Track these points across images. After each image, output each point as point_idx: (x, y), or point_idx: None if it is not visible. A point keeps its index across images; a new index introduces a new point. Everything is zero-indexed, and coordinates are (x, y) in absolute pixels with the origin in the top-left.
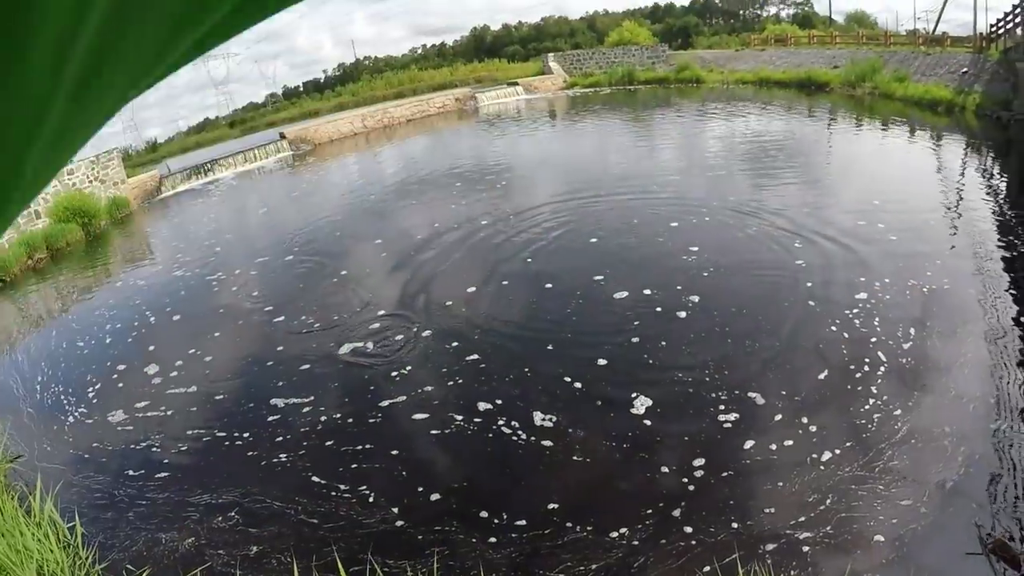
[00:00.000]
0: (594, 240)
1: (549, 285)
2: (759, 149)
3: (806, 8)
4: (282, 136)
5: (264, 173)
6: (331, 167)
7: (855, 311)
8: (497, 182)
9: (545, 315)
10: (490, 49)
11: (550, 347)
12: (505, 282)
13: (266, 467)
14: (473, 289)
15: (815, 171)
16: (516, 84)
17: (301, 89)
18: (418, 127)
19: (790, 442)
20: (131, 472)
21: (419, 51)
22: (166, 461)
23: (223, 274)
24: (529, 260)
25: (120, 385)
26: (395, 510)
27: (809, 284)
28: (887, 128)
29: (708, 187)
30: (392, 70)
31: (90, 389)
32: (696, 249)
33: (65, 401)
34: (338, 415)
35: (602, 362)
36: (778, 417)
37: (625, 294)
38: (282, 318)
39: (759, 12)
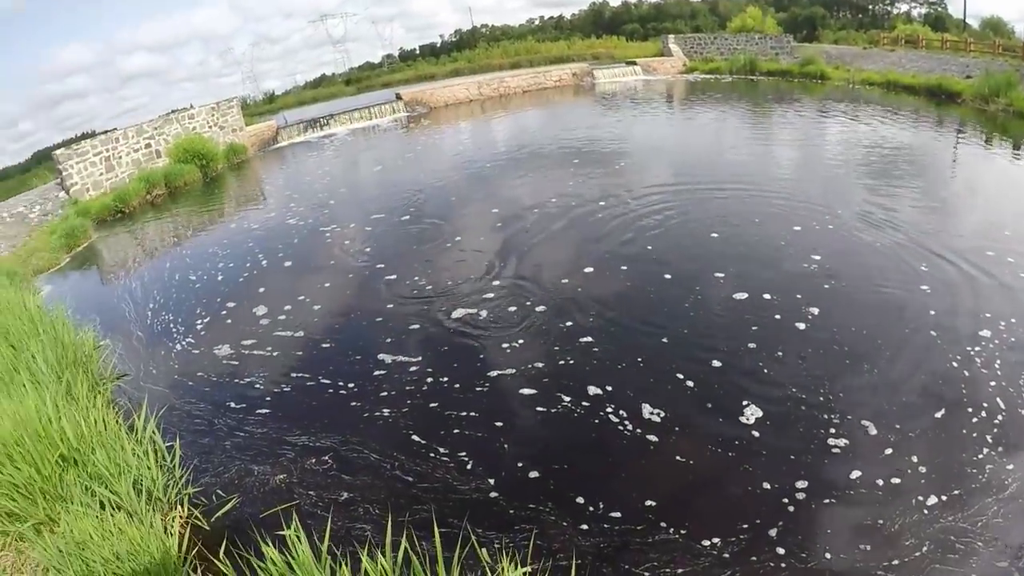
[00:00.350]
0: (715, 235)
1: (668, 276)
2: (885, 158)
3: (939, 8)
4: (398, 97)
5: (379, 132)
6: (446, 131)
7: (978, 348)
8: (614, 162)
9: (662, 307)
10: (608, 25)
11: (665, 340)
12: (624, 267)
13: (367, 419)
14: (590, 269)
15: (942, 189)
16: (634, 63)
17: (417, 52)
18: (533, 99)
19: (896, 480)
20: (232, 404)
21: (536, 22)
22: (268, 399)
23: (336, 227)
24: (649, 248)
25: (228, 321)
26: (491, 481)
27: (933, 312)
28: (1020, 151)
29: (831, 192)
30: (509, 39)
31: (199, 322)
32: (818, 258)
33: (174, 329)
34: (445, 379)
35: (716, 364)
36: (888, 451)
37: (744, 296)
38: (393, 276)
39: (889, 8)
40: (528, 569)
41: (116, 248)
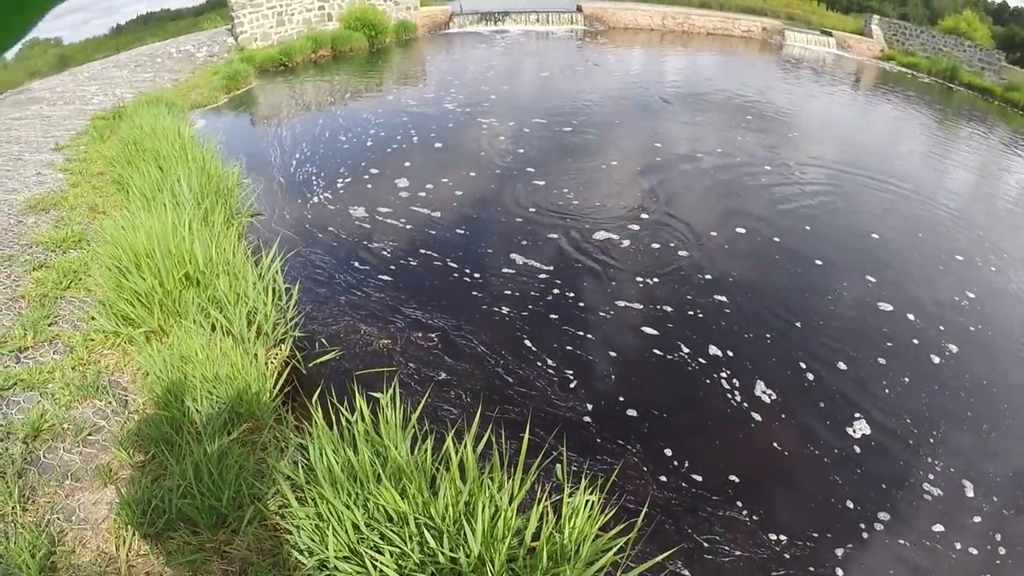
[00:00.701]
0: (875, 236)
1: (819, 262)
2: None
3: None
4: (579, 8)
5: (553, 39)
6: (621, 54)
7: None
8: (787, 131)
9: (804, 291)
10: None
11: (798, 324)
12: (776, 238)
13: (485, 312)
14: (742, 231)
15: None
16: (830, 35)
17: None
18: (716, 43)
19: (974, 551)
20: (356, 264)
21: None
22: (392, 267)
23: (493, 121)
24: (807, 228)
25: (369, 187)
26: (589, 406)
27: None
28: None
29: (1002, 232)
30: None
31: (340, 180)
32: (973, 296)
33: (315, 182)
34: (571, 294)
35: (841, 366)
36: (977, 519)
37: (889, 308)
38: (542, 183)
39: None
40: (596, 498)
41: (273, 97)
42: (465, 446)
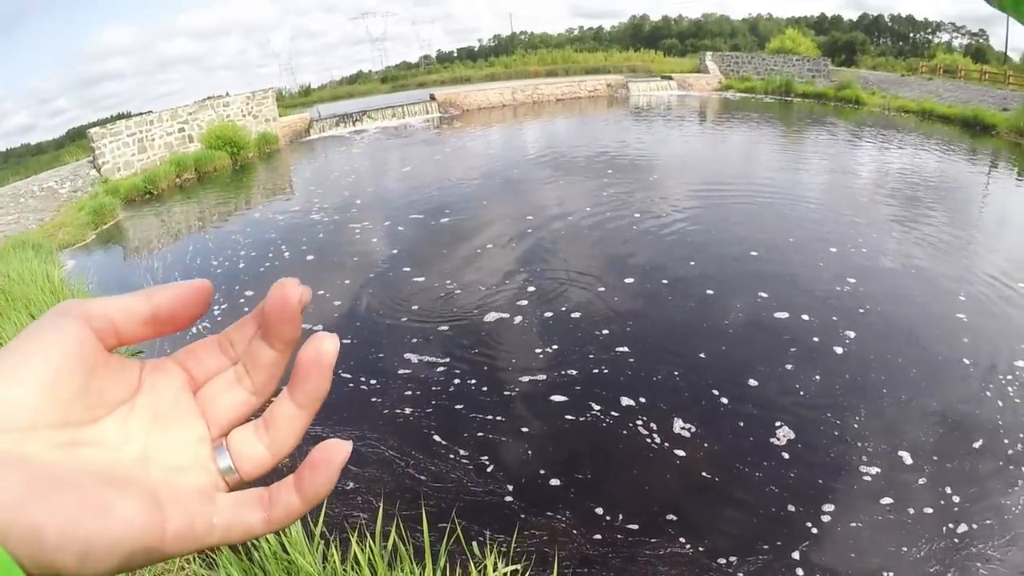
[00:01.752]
0: (754, 253)
1: (710, 292)
2: (917, 185)
3: (981, 40)
4: (432, 97)
5: (410, 131)
6: (477, 135)
7: (1010, 377)
8: (648, 174)
9: (702, 322)
10: (647, 39)
11: (703, 355)
12: (664, 280)
13: (388, 416)
14: (630, 280)
15: (974, 218)
16: (670, 78)
17: (455, 55)
18: (566, 108)
19: (929, 509)
20: None
21: (575, 32)
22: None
23: (362, 224)
24: (691, 263)
25: (246, 310)
26: (509, 486)
27: (966, 340)
28: None
29: (864, 217)
30: (547, 47)
31: (215, 308)
32: (853, 280)
33: None
34: (472, 381)
35: (752, 383)
36: (922, 481)
37: (785, 315)
38: (422, 278)
39: (930, 38)
40: (518, 567)
41: (142, 228)
42: (374, 544)
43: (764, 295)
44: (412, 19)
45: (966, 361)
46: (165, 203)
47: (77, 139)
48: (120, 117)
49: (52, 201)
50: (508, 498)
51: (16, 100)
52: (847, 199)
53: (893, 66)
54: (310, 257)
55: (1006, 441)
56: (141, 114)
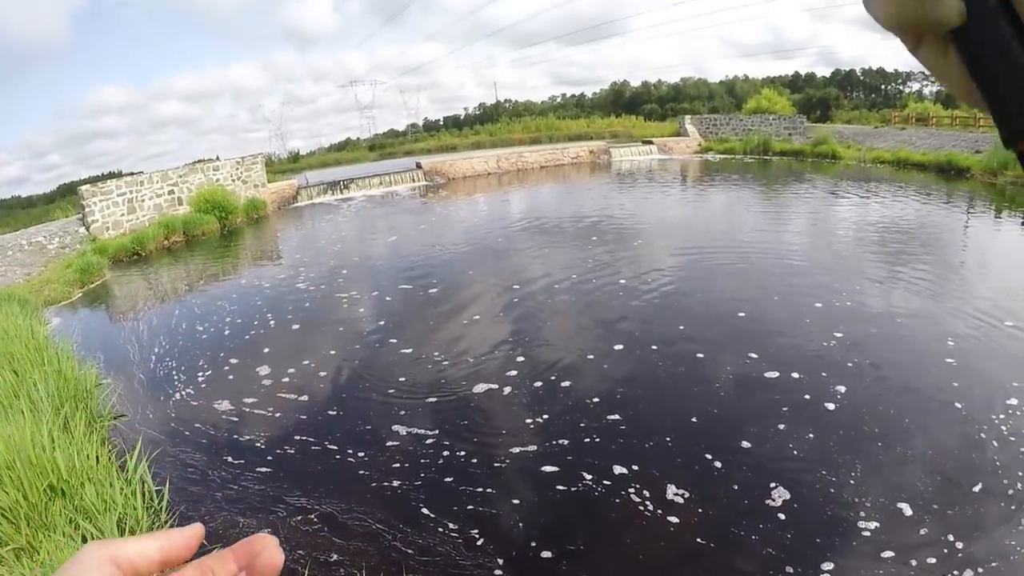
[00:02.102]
0: (742, 314)
1: (700, 355)
2: (897, 234)
3: None
4: (418, 166)
5: (397, 199)
6: (463, 203)
7: (1003, 416)
8: (632, 239)
9: (693, 386)
10: (628, 104)
11: (694, 419)
12: (653, 345)
13: (375, 488)
14: (619, 346)
15: (956, 262)
16: (651, 143)
17: (441, 123)
18: (550, 174)
19: (932, 560)
20: (229, 459)
21: (558, 99)
22: (269, 458)
23: (348, 294)
24: (680, 327)
25: (231, 378)
26: (500, 560)
27: (956, 384)
28: None
29: (847, 269)
30: (531, 115)
31: (200, 374)
32: (840, 335)
33: (175, 378)
34: (462, 453)
35: (745, 445)
36: (923, 531)
37: (775, 375)
38: (409, 350)
39: (901, 88)
40: None
41: (128, 289)
42: None
43: (754, 355)
44: (400, 87)
45: (958, 405)
46: (152, 265)
47: (68, 195)
48: (111, 176)
49: (40, 256)
50: (498, 571)
51: (10, 151)
52: (829, 252)
53: (867, 118)
54: (296, 326)
55: (1005, 481)
56: (132, 174)
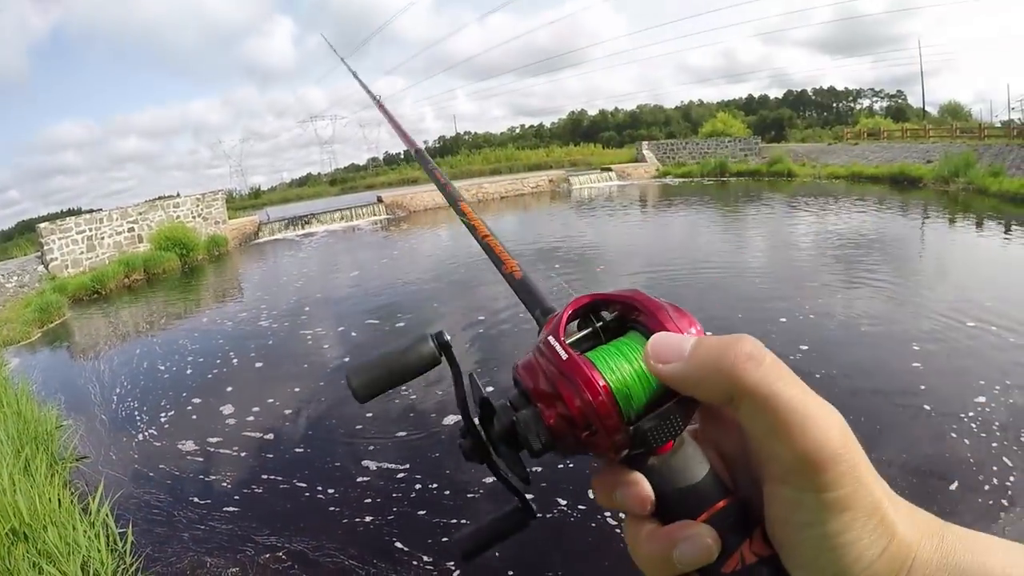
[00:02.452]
0: (709, 332)
1: None
2: (853, 244)
3: (900, 101)
4: (379, 200)
5: (358, 233)
6: (424, 235)
7: (971, 414)
8: (595, 265)
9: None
10: (586, 133)
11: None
12: None
13: (347, 525)
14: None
15: (913, 268)
16: (610, 170)
17: (402, 156)
18: (511, 204)
19: None
20: (195, 499)
21: (517, 130)
22: (236, 497)
23: (311, 331)
24: None
25: (194, 417)
26: None
27: (924, 387)
28: (982, 225)
29: (807, 283)
30: (490, 147)
31: (163, 414)
32: (806, 347)
33: (138, 418)
34: (434, 486)
35: None
36: None
37: None
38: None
39: (852, 105)
40: None
41: (89, 329)
42: None
43: None
44: (360, 121)
45: (927, 407)
46: (113, 303)
47: (26, 232)
48: (71, 213)
49: None
50: None
51: None
52: (789, 267)
53: (820, 136)
54: (259, 364)
55: (980, 477)
56: (91, 211)
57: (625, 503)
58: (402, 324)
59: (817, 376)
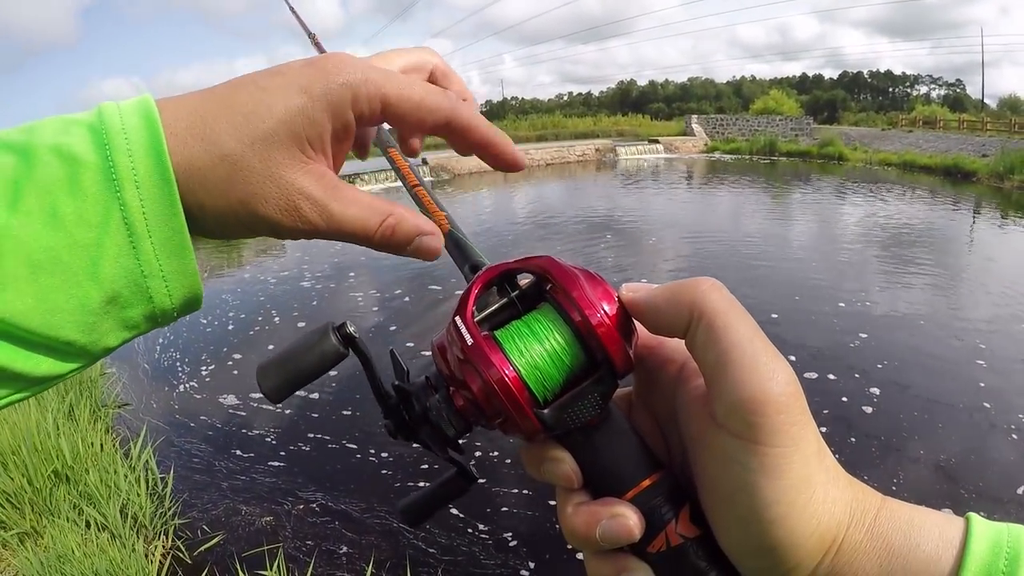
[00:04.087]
0: (775, 315)
1: None
2: (908, 235)
3: (958, 90)
4: (424, 162)
5: (403, 193)
6: (469, 199)
7: None
8: (645, 238)
9: None
10: (635, 104)
11: None
12: None
13: (399, 489)
14: None
15: (961, 267)
16: (657, 142)
17: None
18: (556, 172)
19: None
20: (238, 452)
21: (565, 98)
22: (282, 453)
23: (358, 292)
24: None
25: (235, 372)
26: (531, 563)
27: (983, 384)
28: None
29: (861, 271)
30: (537, 113)
31: (203, 368)
32: (865, 336)
33: (179, 370)
34: (494, 454)
35: None
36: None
37: (814, 376)
38: (426, 351)
39: (909, 91)
40: None
41: None
42: None
43: (792, 358)
44: None
45: (986, 405)
46: None
47: None
48: None
49: None
50: (524, 573)
51: None
52: (845, 253)
53: (874, 121)
54: (301, 324)
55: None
56: None
57: (552, 478)
58: (441, 287)
59: (879, 367)
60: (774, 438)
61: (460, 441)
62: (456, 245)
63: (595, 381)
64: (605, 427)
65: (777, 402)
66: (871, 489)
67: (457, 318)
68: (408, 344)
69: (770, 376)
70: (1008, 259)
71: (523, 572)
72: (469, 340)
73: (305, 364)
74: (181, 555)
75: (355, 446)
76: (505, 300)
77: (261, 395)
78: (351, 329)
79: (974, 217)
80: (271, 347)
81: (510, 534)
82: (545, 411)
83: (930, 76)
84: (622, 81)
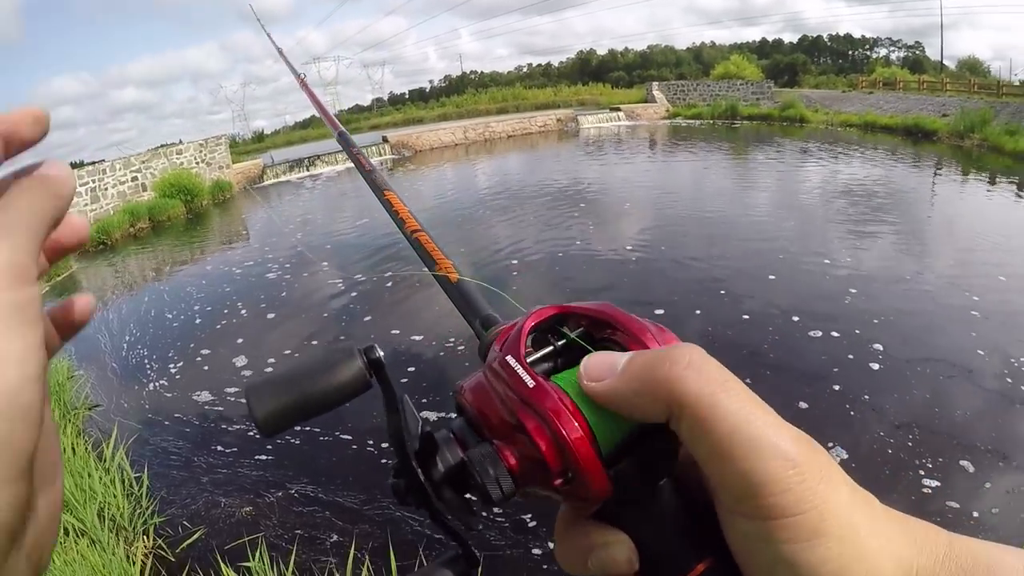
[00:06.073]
0: (772, 276)
1: (746, 317)
2: (879, 194)
3: (917, 52)
4: (384, 140)
5: (362, 182)
6: (430, 175)
7: None
8: (620, 206)
9: (741, 350)
10: (595, 73)
11: (748, 381)
12: (698, 311)
13: (379, 476)
14: (660, 312)
15: (920, 223)
16: (618, 110)
17: (406, 96)
18: (517, 143)
19: (996, 509)
20: (215, 446)
21: (524, 69)
22: (268, 447)
23: (323, 280)
24: (722, 292)
25: (205, 368)
26: (551, 544)
27: (974, 334)
28: (995, 184)
29: (824, 230)
30: (497, 86)
31: (172, 365)
32: (855, 291)
33: (148, 367)
34: None
35: (803, 405)
36: (987, 485)
37: (818, 334)
38: (397, 331)
39: (868, 53)
40: None
41: (96, 279)
42: None
43: (796, 319)
44: (363, 63)
45: (980, 352)
46: (119, 253)
47: None
48: (73, 166)
49: None
50: (536, 551)
51: None
52: (825, 211)
53: (834, 83)
54: (270, 315)
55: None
56: (93, 163)
57: (607, 567)
58: (393, 271)
59: (875, 322)
60: (798, 505)
61: (483, 513)
62: (464, 296)
63: (660, 438)
64: (660, 497)
65: (788, 477)
66: (933, 524)
67: (510, 358)
68: (415, 337)
69: (774, 454)
70: (973, 212)
71: (535, 551)
72: (530, 382)
73: (316, 390)
74: (163, 553)
75: (349, 437)
76: (549, 349)
77: (236, 393)
78: (380, 354)
79: (935, 174)
80: (240, 341)
81: (529, 515)
82: (612, 471)
83: (889, 39)
84: (581, 51)
